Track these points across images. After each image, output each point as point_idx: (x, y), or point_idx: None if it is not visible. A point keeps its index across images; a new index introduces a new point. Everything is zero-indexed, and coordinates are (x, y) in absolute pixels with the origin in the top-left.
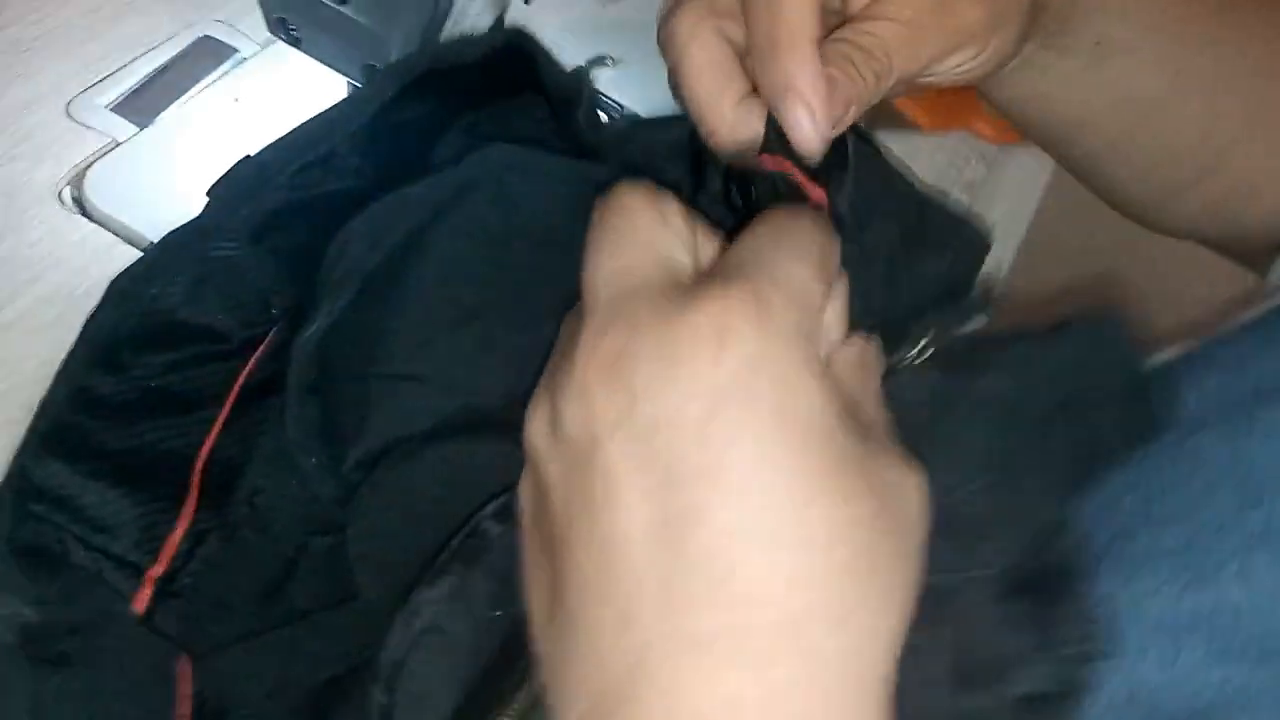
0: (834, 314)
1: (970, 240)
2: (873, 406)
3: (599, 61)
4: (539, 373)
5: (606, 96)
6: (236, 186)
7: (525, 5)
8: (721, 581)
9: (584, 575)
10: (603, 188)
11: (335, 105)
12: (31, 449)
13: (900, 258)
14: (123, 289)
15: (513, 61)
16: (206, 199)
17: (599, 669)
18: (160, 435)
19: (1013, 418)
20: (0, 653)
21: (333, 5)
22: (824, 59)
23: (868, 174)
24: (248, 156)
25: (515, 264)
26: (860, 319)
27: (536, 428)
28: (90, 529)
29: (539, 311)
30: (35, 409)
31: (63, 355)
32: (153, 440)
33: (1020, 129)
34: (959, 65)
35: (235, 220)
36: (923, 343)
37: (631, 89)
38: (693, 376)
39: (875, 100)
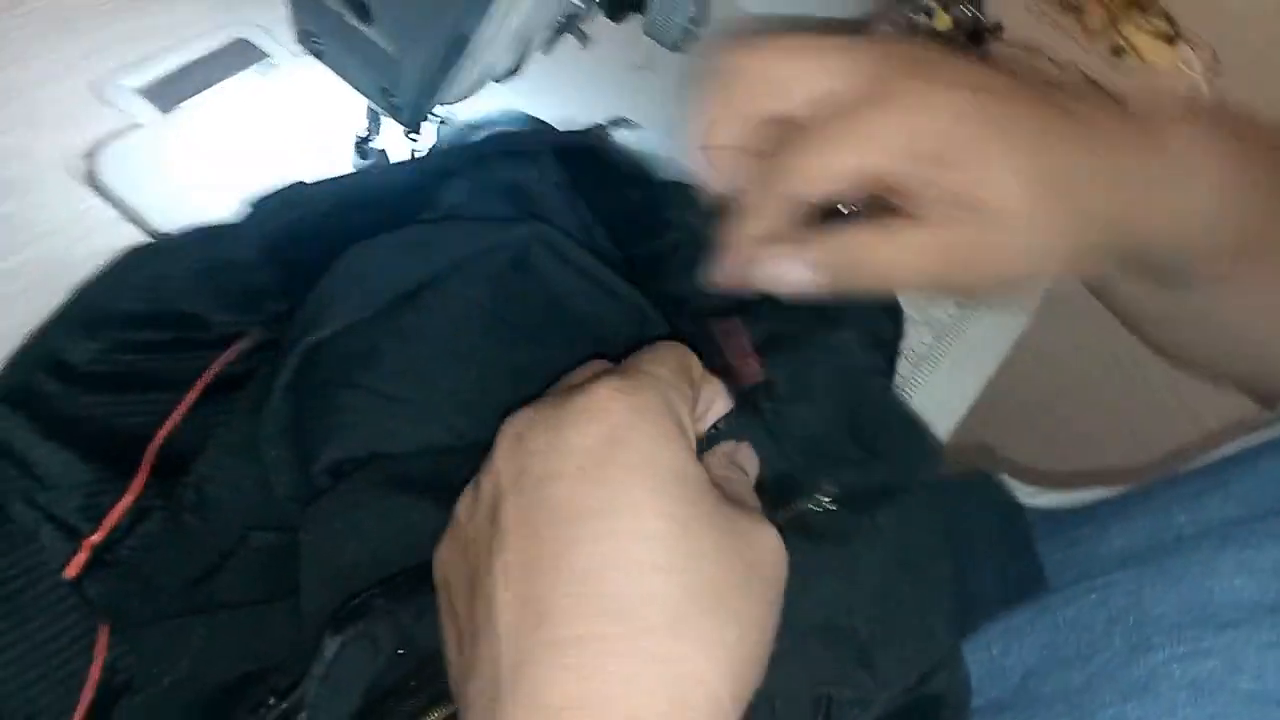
0: (709, 410)
1: (919, 456)
2: (741, 488)
3: (621, 123)
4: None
5: None
6: (278, 205)
7: (545, 55)
8: (585, 598)
9: (485, 605)
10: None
11: (395, 165)
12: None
13: (834, 444)
14: (129, 262)
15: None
16: (250, 208)
17: (491, 681)
18: (123, 409)
19: (903, 556)
20: None
21: (357, 25)
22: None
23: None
24: (301, 182)
25: (520, 325)
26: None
27: (463, 499)
28: (38, 486)
29: (530, 375)
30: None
31: (41, 314)
32: (115, 412)
33: None
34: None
35: (256, 228)
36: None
37: (649, 150)
38: (571, 440)
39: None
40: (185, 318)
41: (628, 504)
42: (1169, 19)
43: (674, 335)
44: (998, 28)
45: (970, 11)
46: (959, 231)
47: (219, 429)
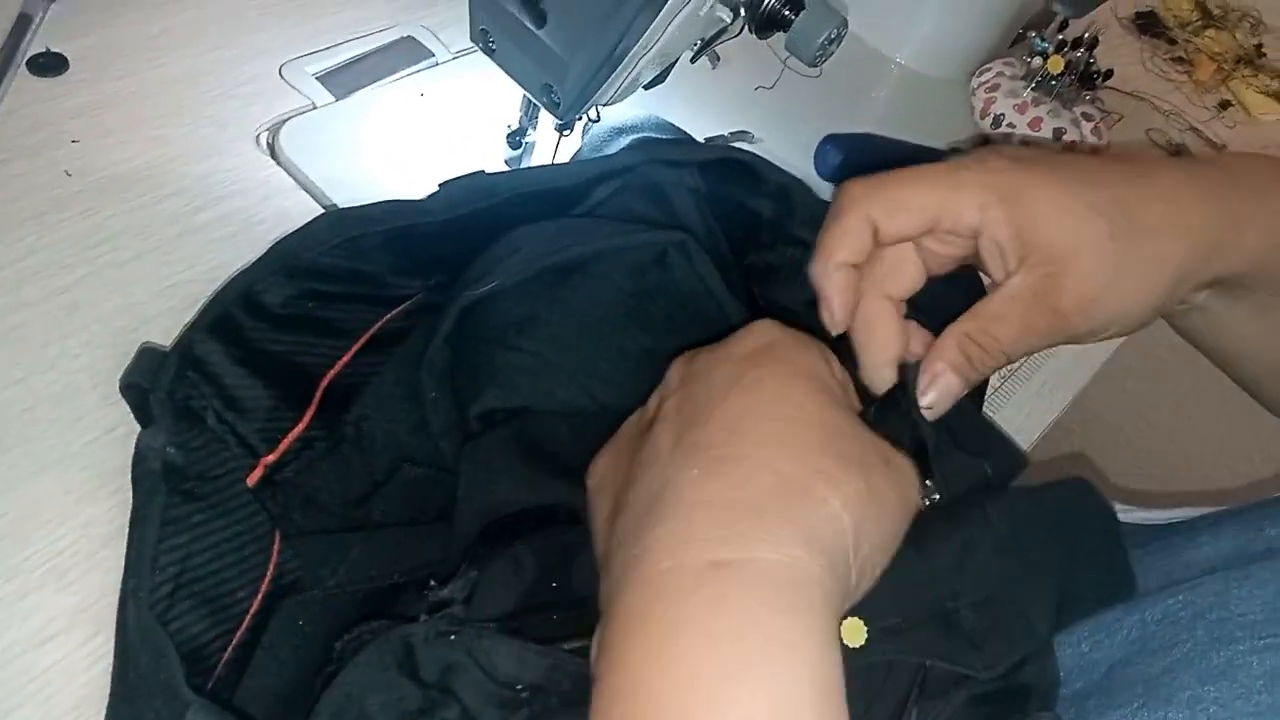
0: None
1: (1013, 459)
2: None
3: (742, 135)
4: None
5: None
6: (463, 190)
7: (692, 64)
8: (738, 431)
9: (648, 452)
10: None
11: (561, 165)
12: (200, 327)
13: (939, 446)
14: (329, 222)
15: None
16: (437, 188)
17: (646, 498)
18: (302, 349)
19: (1011, 548)
20: (149, 476)
21: (531, 28)
22: (946, 338)
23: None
24: (482, 171)
25: (652, 313)
26: None
27: (630, 419)
28: (225, 405)
29: (656, 358)
30: (204, 300)
31: (230, 263)
32: (295, 350)
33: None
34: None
35: (441, 205)
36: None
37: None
38: (733, 346)
39: (982, 377)
40: (366, 275)
41: (783, 377)
42: None
43: None
44: (1109, 73)
45: (1083, 56)
46: (1050, 278)
47: (378, 375)
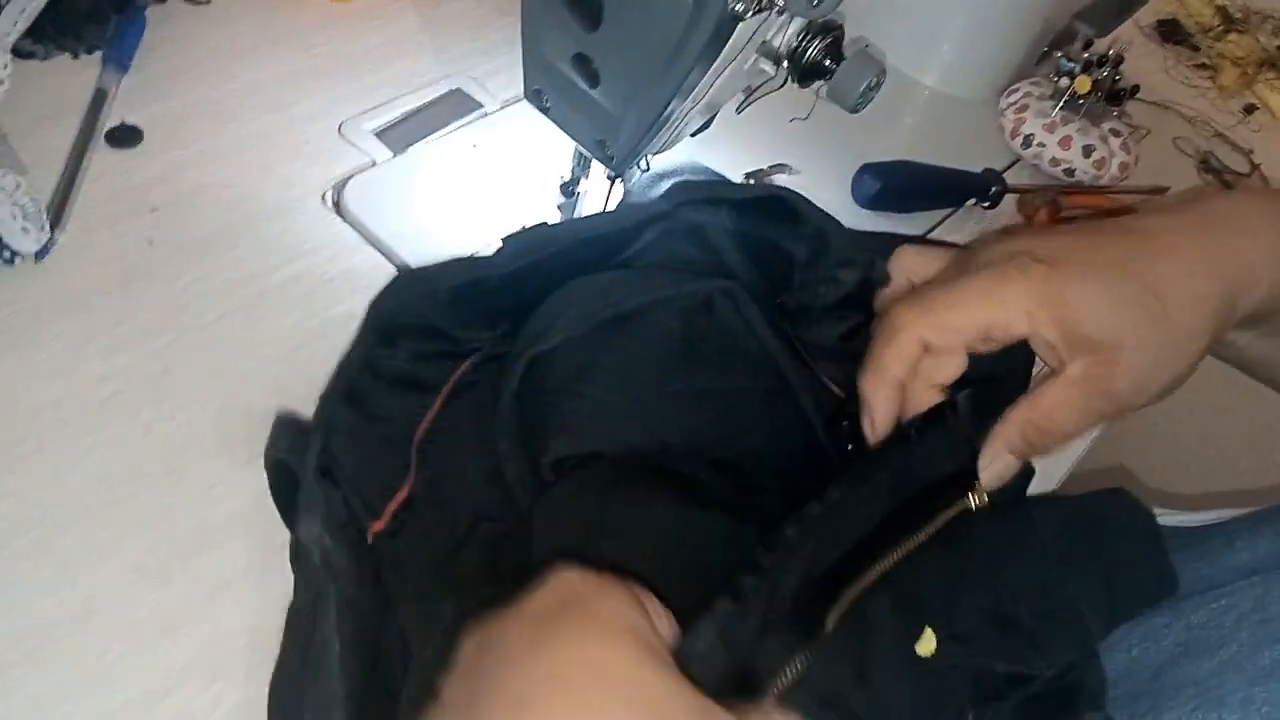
0: None
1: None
2: None
3: (780, 168)
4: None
5: None
6: (525, 241)
7: (738, 114)
8: None
9: None
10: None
11: (612, 212)
12: (337, 396)
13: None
14: (405, 283)
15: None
16: (501, 243)
17: None
18: (405, 409)
19: (1061, 549)
20: (314, 571)
21: (584, 87)
22: (1009, 424)
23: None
24: (544, 223)
25: (704, 354)
26: None
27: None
28: (354, 474)
29: (711, 395)
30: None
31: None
32: (401, 412)
33: None
34: None
35: (506, 259)
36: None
37: (804, 193)
38: (522, 610)
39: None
40: (440, 332)
41: (591, 637)
42: None
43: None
44: (1135, 89)
45: (1109, 74)
46: (1103, 368)
47: (450, 432)
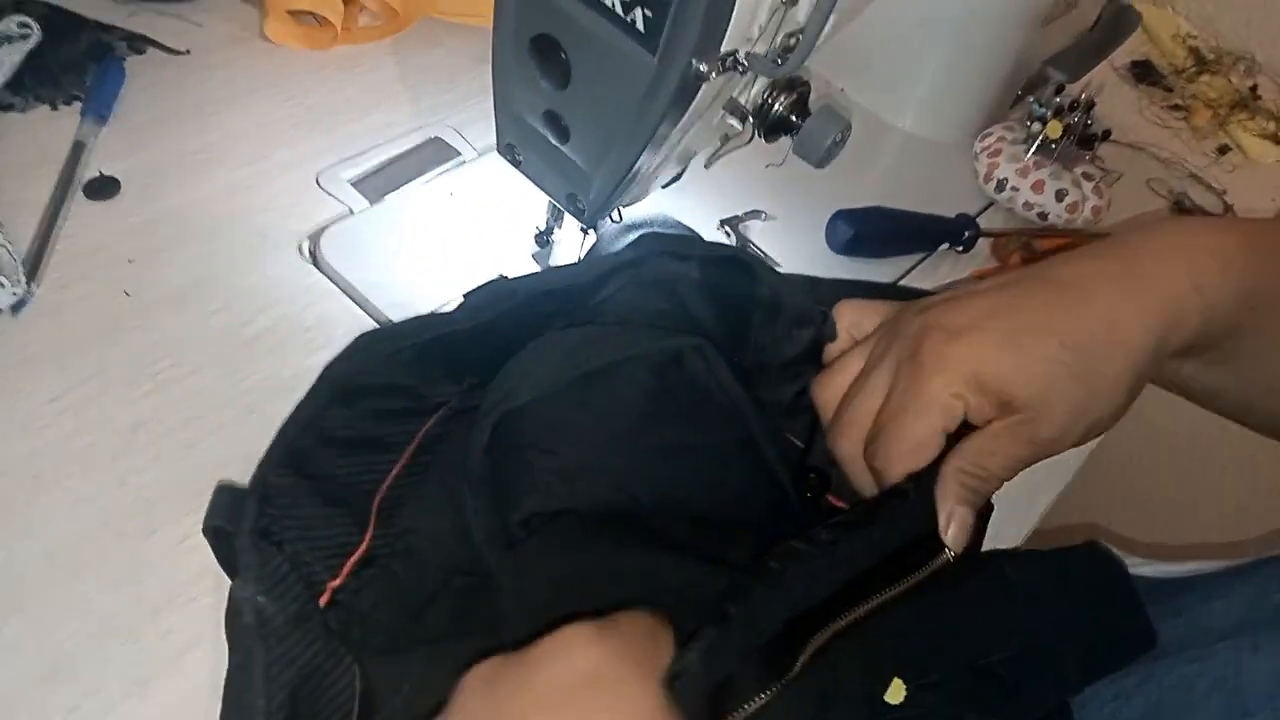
0: None
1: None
2: None
3: (755, 214)
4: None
5: (755, 244)
6: (486, 296)
7: (706, 169)
8: None
9: None
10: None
11: (575, 264)
12: (274, 462)
13: None
14: (367, 344)
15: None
16: (462, 299)
17: None
18: (361, 469)
19: (1034, 604)
20: (244, 630)
21: (555, 144)
22: (946, 478)
23: None
24: (503, 276)
25: (675, 410)
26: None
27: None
28: (300, 536)
29: (681, 452)
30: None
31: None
32: (356, 472)
33: None
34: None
35: (467, 315)
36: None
37: (779, 239)
38: (541, 679)
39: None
40: (403, 389)
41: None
42: (1277, 119)
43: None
44: (1107, 134)
45: (1081, 119)
46: (1026, 422)
47: (420, 488)
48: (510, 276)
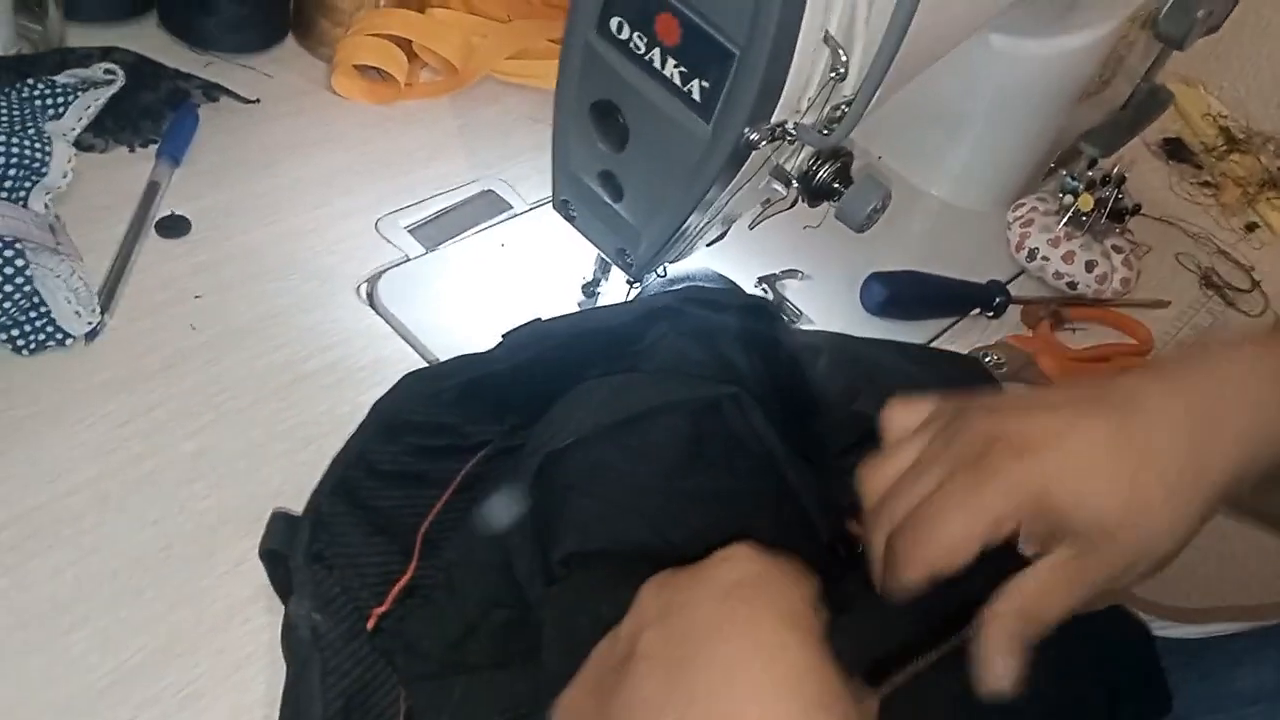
0: None
1: None
2: None
3: (792, 273)
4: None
5: (791, 302)
6: (525, 336)
7: (750, 230)
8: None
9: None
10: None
11: (611, 307)
12: (325, 491)
13: None
14: (412, 382)
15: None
16: (500, 338)
17: None
18: (403, 501)
19: (1058, 672)
20: (301, 643)
21: (608, 202)
22: (995, 627)
23: None
24: (539, 318)
25: (711, 456)
26: None
27: (600, 647)
28: (349, 562)
29: (717, 497)
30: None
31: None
32: (399, 504)
33: None
34: None
35: (507, 355)
36: None
37: (814, 298)
38: (709, 583)
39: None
40: (448, 427)
41: (774, 620)
42: None
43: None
44: (1137, 208)
45: (1113, 193)
46: (1086, 558)
47: (465, 522)
48: (546, 318)
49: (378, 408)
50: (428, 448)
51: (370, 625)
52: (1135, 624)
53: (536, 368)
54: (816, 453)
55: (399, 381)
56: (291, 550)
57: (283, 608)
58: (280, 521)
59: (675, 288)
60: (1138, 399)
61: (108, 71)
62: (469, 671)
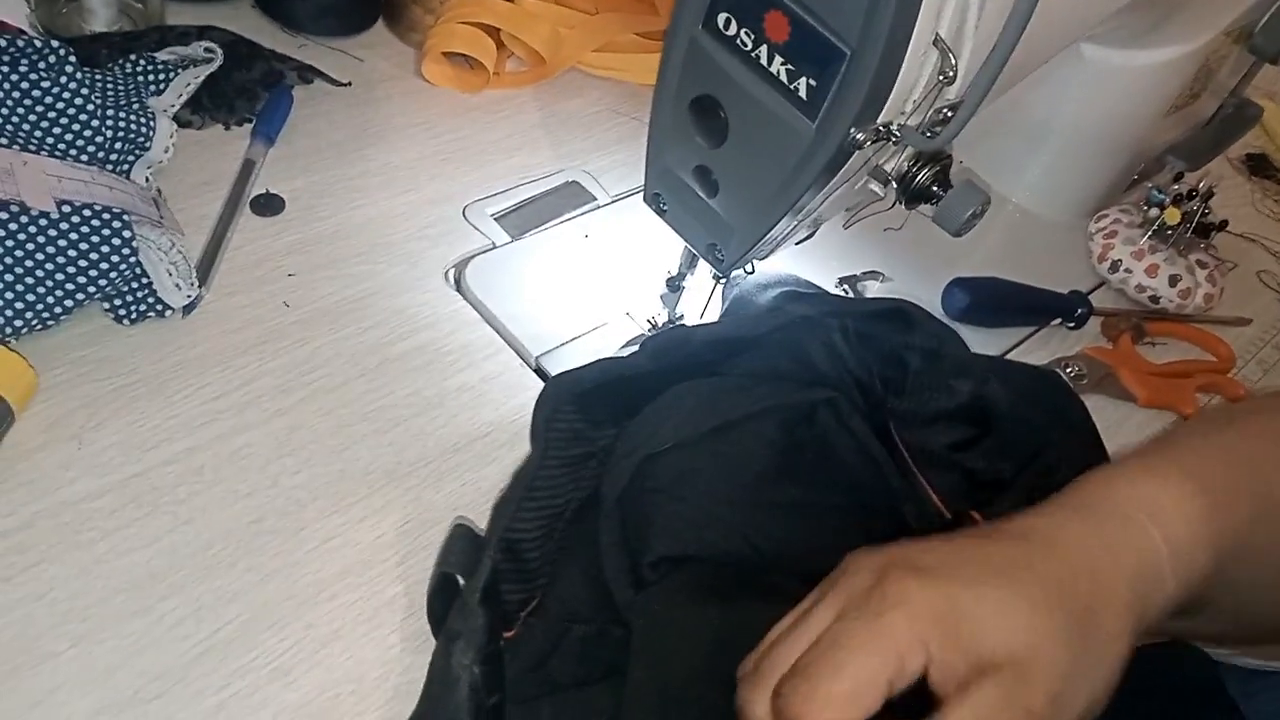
0: None
1: None
2: None
3: (873, 274)
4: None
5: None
6: (664, 342)
7: (845, 229)
8: None
9: None
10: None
11: (747, 317)
12: (510, 512)
13: None
14: (557, 385)
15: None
16: (639, 346)
17: None
18: (549, 525)
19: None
20: (456, 703)
21: (702, 196)
22: None
23: None
24: (681, 325)
25: (801, 467)
26: None
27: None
28: (510, 591)
29: (804, 508)
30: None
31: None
32: (540, 525)
33: None
34: None
35: (647, 359)
36: None
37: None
38: None
39: None
40: (578, 435)
41: None
42: None
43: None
44: (1224, 224)
45: (1200, 208)
46: (1013, 689)
47: (564, 536)
48: (688, 325)
49: (536, 418)
50: (570, 458)
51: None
52: (1201, 658)
53: (673, 374)
54: (915, 457)
55: (546, 387)
56: (469, 583)
57: (370, 586)
58: (464, 541)
59: (774, 287)
60: (1028, 528)
61: (207, 50)
62: (555, 691)
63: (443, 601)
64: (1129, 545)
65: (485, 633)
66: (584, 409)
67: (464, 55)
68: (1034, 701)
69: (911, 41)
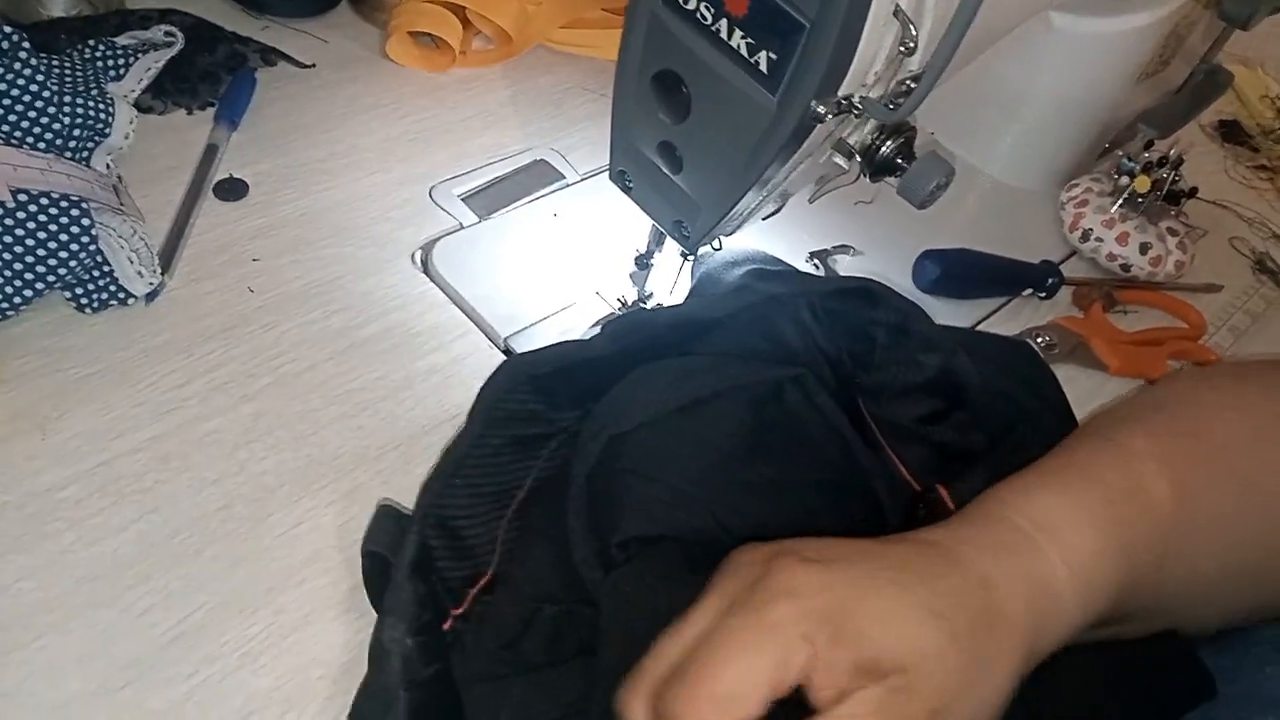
0: None
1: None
2: None
3: (844, 249)
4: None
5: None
6: (623, 324)
7: (810, 204)
8: None
9: None
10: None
11: (711, 298)
12: (434, 495)
13: None
14: (513, 367)
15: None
16: (599, 328)
17: None
18: (491, 504)
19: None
20: (390, 677)
21: (667, 173)
22: None
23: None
24: (643, 307)
25: (771, 444)
26: None
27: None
28: (446, 566)
29: (777, 486)
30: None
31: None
32: (477, 503)
33: None
34: None
35: (608, 341)
36: None
37: (864, 274)
38: None
39: None
40: (538, 416)
41: None
42: None
43: (878, 463)
44: (1194, 191)
45: (1170, 175)
46: (898, 689)
47: (523, 516)
48: (648, 308)
49: (482, 396)
50: (520, 438)
51: (446, 626)
52: (1186, 648)
53: (635, 357)
54: (884, 431)
55: (499, 367)
56: (396, 560)
57: (339, 571)
58: (388, 520)
59: (741, 265)
60: (934, 540)
61: (167, 34)
62: (527, 671)
63: (380, 584)
64: (1021, 566)
65: (415, 605)
66: (542, 390)
67: (430, 34)
68: (915, 714)
69: (871, 13)
